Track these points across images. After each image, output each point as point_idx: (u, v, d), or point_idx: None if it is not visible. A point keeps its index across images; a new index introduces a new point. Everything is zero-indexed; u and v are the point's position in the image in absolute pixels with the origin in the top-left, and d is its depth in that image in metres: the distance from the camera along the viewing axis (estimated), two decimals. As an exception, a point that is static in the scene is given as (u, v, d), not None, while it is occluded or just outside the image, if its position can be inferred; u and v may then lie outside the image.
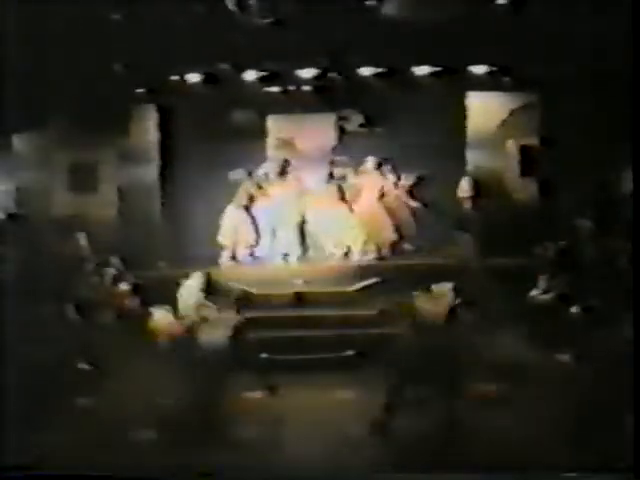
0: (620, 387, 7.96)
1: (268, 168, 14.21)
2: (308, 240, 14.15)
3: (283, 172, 14.22)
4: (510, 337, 10.85)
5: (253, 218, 14.10)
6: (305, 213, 14.11)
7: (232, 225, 13.95)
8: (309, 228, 14.15)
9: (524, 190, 13.74)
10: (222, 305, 12.31)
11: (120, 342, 11.11)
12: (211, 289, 12.73)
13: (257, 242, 14.08)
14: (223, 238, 13.92)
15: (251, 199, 14.11)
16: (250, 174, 14.13)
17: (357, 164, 14.28)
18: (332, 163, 14.33)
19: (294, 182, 14.19)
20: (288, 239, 14.02)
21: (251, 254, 14.07)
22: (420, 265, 13.00)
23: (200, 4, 10.05)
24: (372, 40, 11.03)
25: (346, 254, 13.95)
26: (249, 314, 12.10)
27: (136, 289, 12.60)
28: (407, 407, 9.28)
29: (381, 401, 9.29)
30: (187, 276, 12.58)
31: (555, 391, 8.96)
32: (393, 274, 12.80)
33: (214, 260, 13.68)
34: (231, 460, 8.00)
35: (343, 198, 14.17)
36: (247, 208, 14.08)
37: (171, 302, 12.13)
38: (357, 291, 12.58)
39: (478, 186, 13.62)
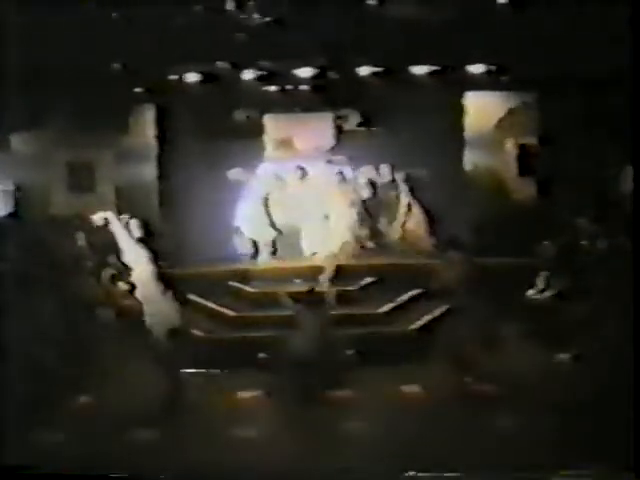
0: (620, 387, 7.99)
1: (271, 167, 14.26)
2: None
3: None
4: (509, 336, 10.85)
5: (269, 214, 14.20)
6: (305, 211, 14.15)
7: (253, 219, 14.03)
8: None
9: (523, 189, 13.76)
10: (220, 303, 12.34)
11: (119, 341, 11.10)
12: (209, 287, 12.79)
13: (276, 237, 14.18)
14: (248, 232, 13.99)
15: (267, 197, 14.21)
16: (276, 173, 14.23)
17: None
18: (330, 162, 14.35)
19: (294, 181, 14.24)
20: (288, 236, 14.10)
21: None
22: (419, 264, 13.01)
23: (199, 4, 10.05)
24: (370, 39, 11.03)
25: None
26: (247, 312, 12.13)
27: (134, 288, 12.59)
28: (407, 406, 9.32)
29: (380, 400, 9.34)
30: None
31: (555, 391, 8.98)
32: (392, 273, 12.81)
33: (213, 258, 13.69)
34: (231, 460, 8.00)
35: (341, 196, 14.21)
36: (266, 203, 14.16)
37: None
38: (357, 290, 12.57)
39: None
